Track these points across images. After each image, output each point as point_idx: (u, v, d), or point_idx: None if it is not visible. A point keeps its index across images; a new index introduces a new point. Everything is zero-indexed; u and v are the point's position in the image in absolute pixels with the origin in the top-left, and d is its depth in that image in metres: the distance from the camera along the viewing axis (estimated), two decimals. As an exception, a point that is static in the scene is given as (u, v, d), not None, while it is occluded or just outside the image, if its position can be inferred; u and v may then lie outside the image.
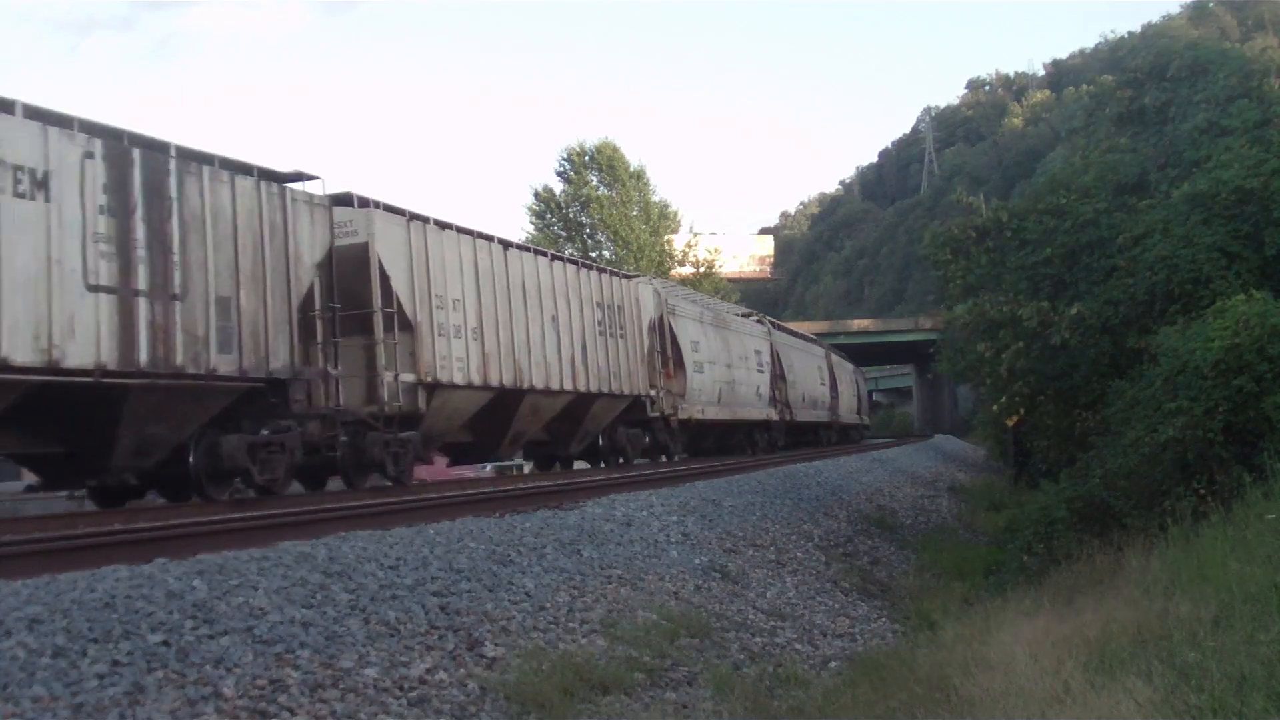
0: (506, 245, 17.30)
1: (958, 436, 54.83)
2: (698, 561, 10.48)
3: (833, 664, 8.35)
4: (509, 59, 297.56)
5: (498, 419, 17.03)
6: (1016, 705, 5.30)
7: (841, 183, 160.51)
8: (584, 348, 19.00)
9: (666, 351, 23.07)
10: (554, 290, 18.42)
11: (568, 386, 18.36)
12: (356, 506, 10.98)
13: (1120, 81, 20.26)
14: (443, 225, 15.71)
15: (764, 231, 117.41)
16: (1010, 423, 22.58)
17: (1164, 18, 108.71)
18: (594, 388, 19.23)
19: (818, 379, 38.34)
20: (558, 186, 48.68)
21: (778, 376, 32.00)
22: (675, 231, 50.90)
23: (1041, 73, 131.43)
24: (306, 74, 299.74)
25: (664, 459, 23.39)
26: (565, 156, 48.76)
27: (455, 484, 16.59)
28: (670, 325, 23.50)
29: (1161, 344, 11.24)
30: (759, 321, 33.36)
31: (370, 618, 6.42)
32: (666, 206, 50.06)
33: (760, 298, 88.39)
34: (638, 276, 23.72)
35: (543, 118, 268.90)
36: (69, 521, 9.82)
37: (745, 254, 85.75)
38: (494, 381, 16.18)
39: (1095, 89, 36.60)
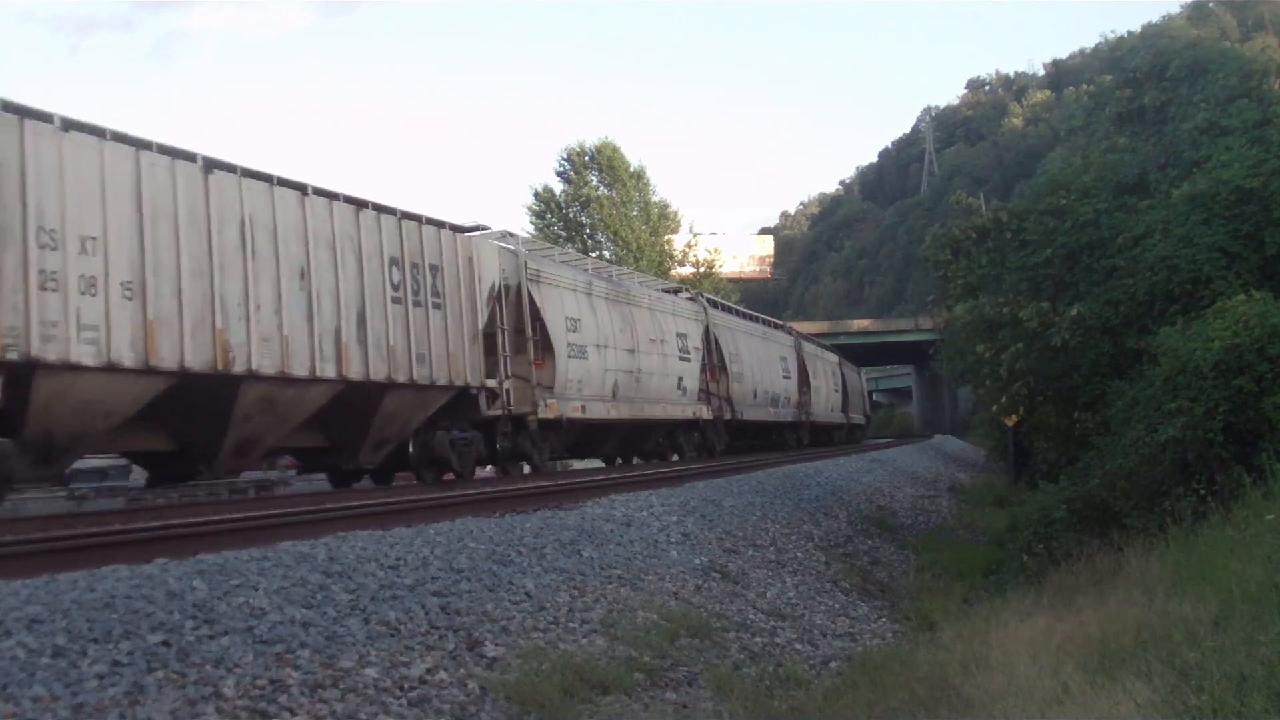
0: (213, 166, 11.95)
1: (958, 437, 54.87)
2: (698, 561, 10.48)
3: (833, 664, 8.35)
4: (509, 59, 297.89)
5: (203, 417, 11.96)
6: (1016, 705, 5.30)
7: (841, 183, 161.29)
8: (362, 318, 13.62)
9: (525, 330, 17.48)
10: (308, 236, 12.94)
11: (328, 372, 12.95)
12: (356, 506, 10.98)
13: (1120, 81, 20.28)
14: (75, 126, 10.47)
15: (764, 231, 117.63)
16: (1010, 423, 22.63)
17: (1164, 18, 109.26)
18: (380, 374, 13.80)
19: (779, 371, 32.44)
20: (558, 186, 48.83)
21: (715, 367, 26.39)
22: (675, 231, 51.00)
23: (1041, 73, 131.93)
24: (306, 74, 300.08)
25: (528, 469, 17.90)
26: (565, 156, 48.92)
27: (455, 484, 16.57)
28: (531, 296, 17.83)
29: (1161, 344, 11.24)
30: (691, 299, 27.22)
31: (370, 618, 6.42)
32: (666, 206, 50.24)
33: (760, 298, 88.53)
34: (476, 230, 17.35)
35: (543, 118, 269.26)
36: (69, 522, 9.79)
37: (745, 254, 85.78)
38: (167, 361, 11.01)
39: (1095, 89, 36.65)
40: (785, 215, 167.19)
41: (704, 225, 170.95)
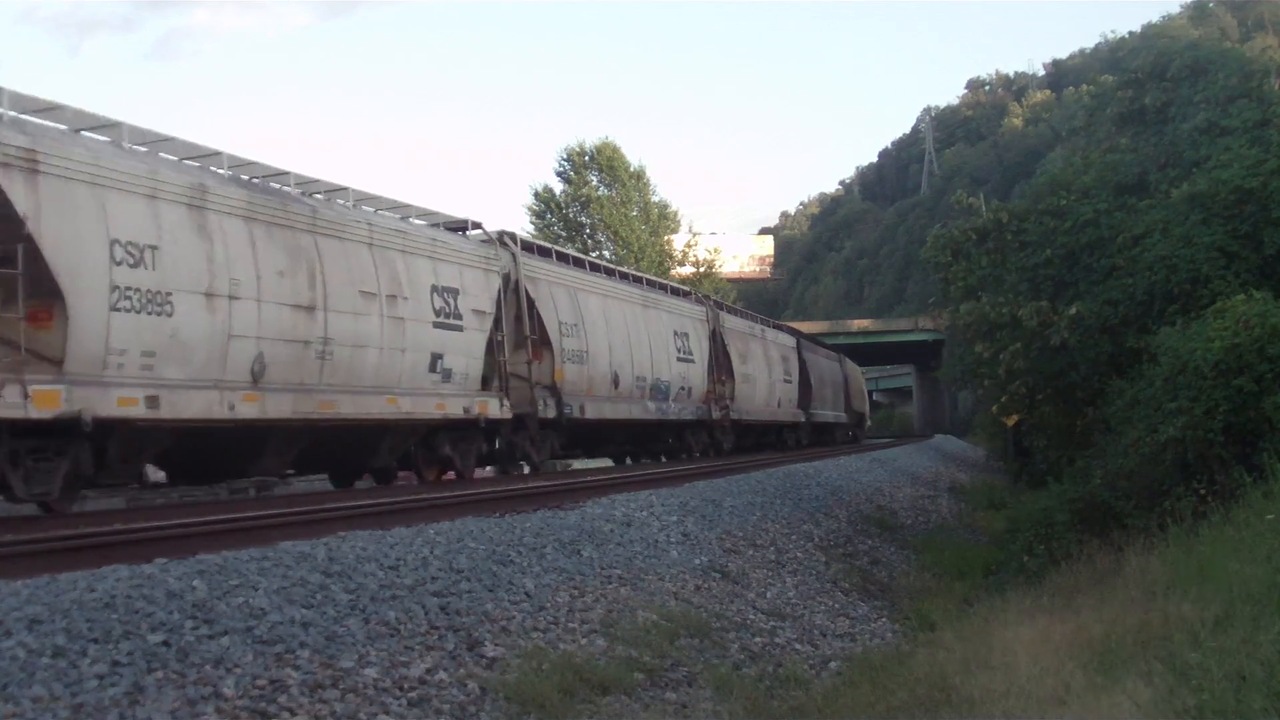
0: None
1: (958, 436, 54.90)
2: (698, 561, 10.48)
3: (833, 664, 8.35)
4: (509, 59, 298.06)
5: None
6: (1017, 705, 5.30)
7: (841, 183, 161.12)
8: None
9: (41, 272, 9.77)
10: None
11: None
12: (356, 506, 10.98)
13: (1120, 82, 20.36)
14: None
15: (764, 231, 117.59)
16: (1009, 423, 22.65)
17: (1164, 18, 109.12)
18: None
19: (670, 352, 23.67)
20: (558, 186, 48.79)
21: (536, 343, 18.06)
22: (675, 231, 51.04)
23: (1041, 73, 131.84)
24: (307, 74, 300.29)
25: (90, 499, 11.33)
26: (565, 156, 48.87)
27: (456, 484, 16.54)
28: (9, 199, 9.56)
29: (1161, 344, 11.26)
30: (485, 240, 17.61)
31: (370, 618, 6.42)
32: (666, 206, 50.24)
33: (760, 297, 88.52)
34: None
35: (543, 118, 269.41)
36: (69, 521, 9.78)
37: (745, 254, 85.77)
38: None
39: (1095, 89, 36.73)
40: (785, 215, 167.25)
41: (704, 225, 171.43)
